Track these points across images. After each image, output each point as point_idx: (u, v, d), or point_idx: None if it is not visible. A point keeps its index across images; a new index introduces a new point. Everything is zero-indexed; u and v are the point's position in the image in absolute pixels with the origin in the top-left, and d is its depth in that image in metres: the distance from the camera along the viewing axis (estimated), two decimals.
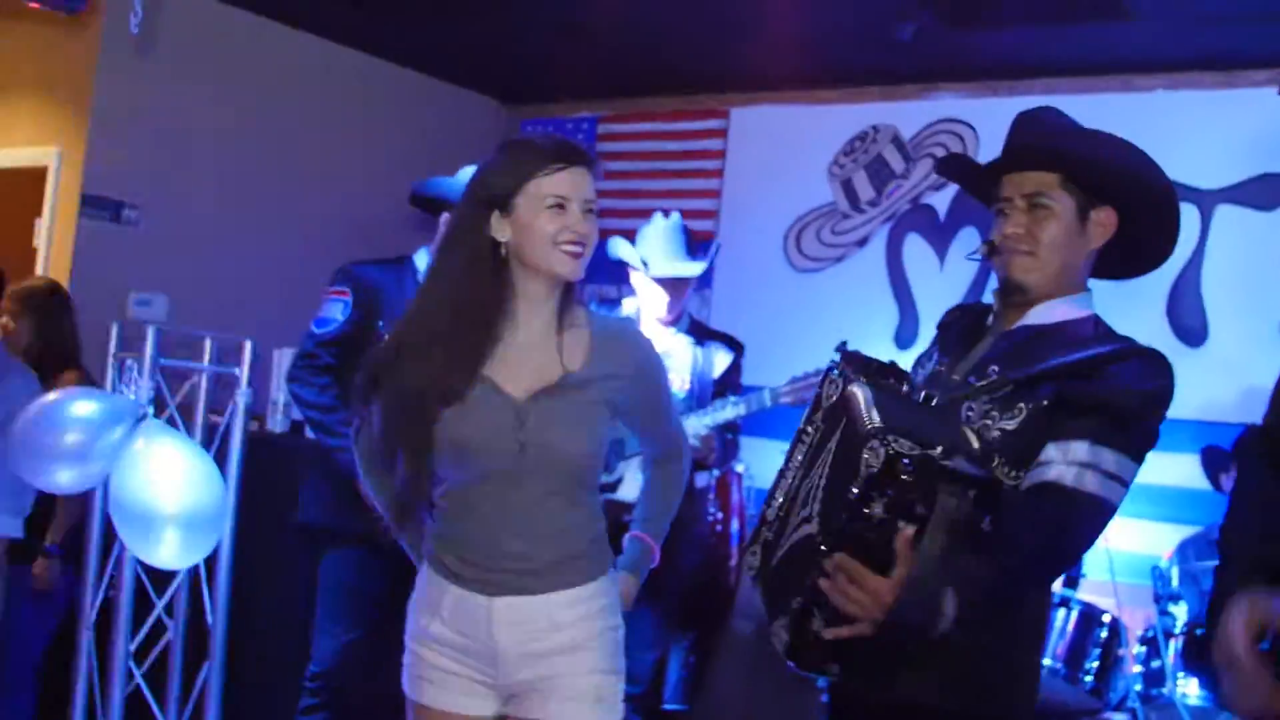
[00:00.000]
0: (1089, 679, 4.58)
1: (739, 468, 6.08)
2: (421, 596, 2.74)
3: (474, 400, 2.61)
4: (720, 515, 5.97)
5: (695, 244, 4.67)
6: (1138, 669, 4.73)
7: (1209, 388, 5.52)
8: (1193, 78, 6.15)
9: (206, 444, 4.07)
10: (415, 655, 2.72)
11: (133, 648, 4.01)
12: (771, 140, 7.36)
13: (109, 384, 4.04)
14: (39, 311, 4.94)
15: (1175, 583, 4.91)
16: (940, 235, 6.77)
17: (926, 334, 2.91)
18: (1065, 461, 2.36)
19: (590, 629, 2.66)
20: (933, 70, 6.64)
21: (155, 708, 4.08)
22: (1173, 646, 4.70)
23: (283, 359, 5.08)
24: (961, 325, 2.78)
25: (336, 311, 4.18)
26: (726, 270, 7.08)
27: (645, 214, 4.77)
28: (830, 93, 7.18)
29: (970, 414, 2.48)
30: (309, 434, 4.40)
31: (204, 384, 4.17)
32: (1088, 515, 2.38)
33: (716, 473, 5.54)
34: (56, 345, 4.92)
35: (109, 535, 3.95)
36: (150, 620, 4.08)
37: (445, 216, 4.21)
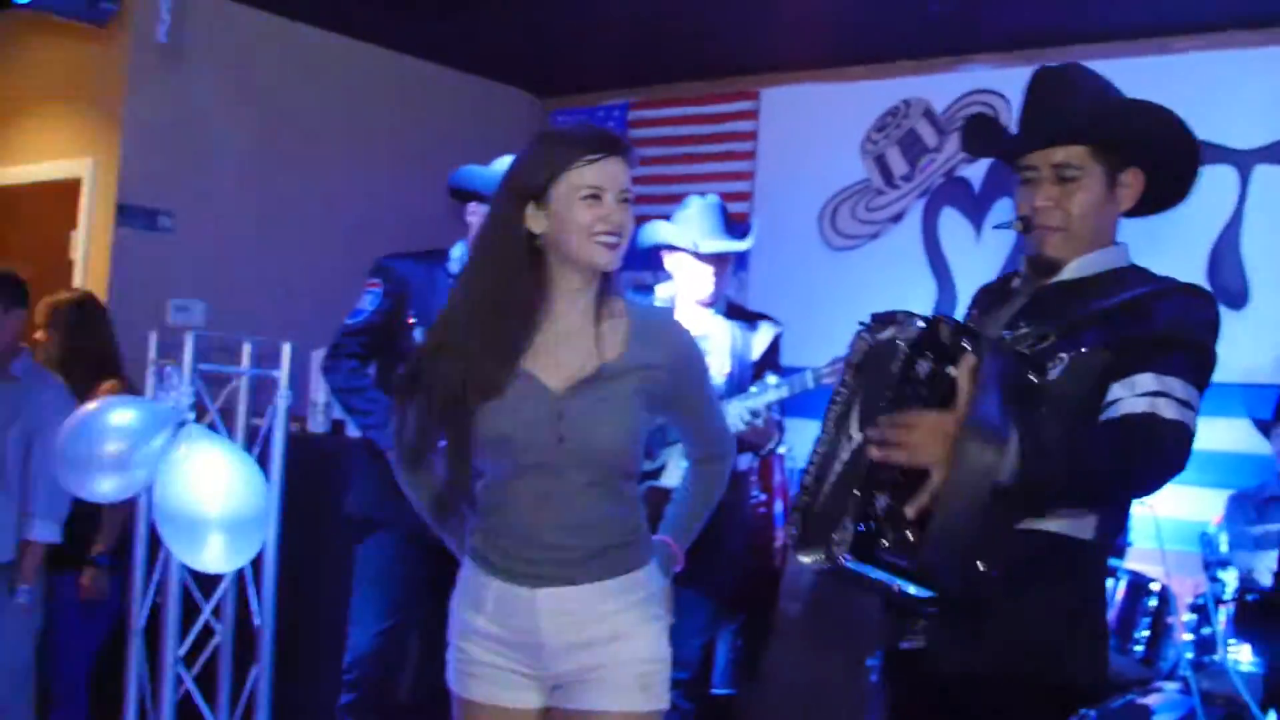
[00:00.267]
0: (1139, 648, 4.53)
1: (780, 449, 6.06)
2: (464, 591, 2.74)
3: (512, 393, 2.61)
4: (764, 497, 5.94)
5: (732, 224, 4.65)
6: (1188, 637, 4.68)
7: (1253, 351, 5.45)
8: (1227, 37, 6.06)
9: (248, 447, 4.09)
10: (460, 650, 2.72)
11: (182, 653, 4.05)
12: (803, 119, 7.32)
13: (149, 391, 4.07)
14: (67, 323, 4.99)
15: (1224, 548, 4.85)
16: (976, 208, 6.71)
17: (965, 308, 2.89)
18: (1134, 394, 2.30)
19: (634, 618, 2.66)
20: (963, 42, 6.58)
21: (206, 711, 4.10)
22: (1223, 613, 4.65)
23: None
24: (989, 295, 2.77)
25: (367, 302, 4.25)
26: (762, 252, 7.02)
27: (678, 199, 4.74)
28: (860, 69, 7.11)
29: None
30: (350, 431, 4.41)
31: (244, 388, 4.19)
32: (1170, 439, 2.29)
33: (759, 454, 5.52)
34: (87, 356, 4.96)
35: (154, 542, 3.97)
36: (198, 625, 4.11)
37: (471, 206, 4.23)
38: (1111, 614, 4.53)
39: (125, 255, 6.29)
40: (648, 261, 4.71)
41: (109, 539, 4.81)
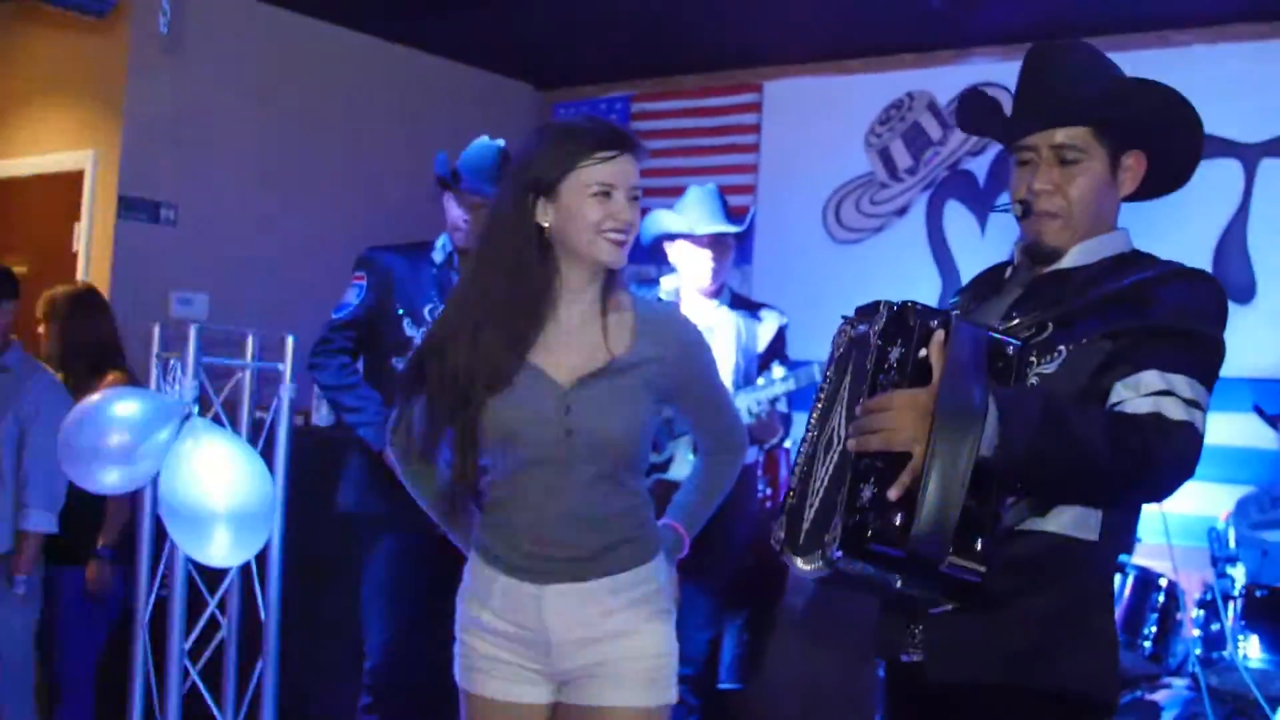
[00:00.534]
0: (1148, 644, 4.53)
1: (786, 444, 6.04)
2: (470, 586, 2.73)
3: (520, 386, 2.60)
4: (769, 491, 5.93)
5: (731, 214, 4.65)
6: (1196, 633, 4.67)
7: (1260, 346, 5.44)
8: (1230, 30, 6.06)
9: (253, 440, 4.07)
10: (466, 645, 2.72)
11: (187, 646, 4.03)
12: (806, 112, 7.31)
13: (153, 384, 4.05)
14: (63, 316, 5.00)
15: (1233, 544, 4.84)
16: (980, 201, 6.70)
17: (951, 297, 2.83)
18: (1139, 395, 2.19)
19: (641, 613, 2.65)
20: (967, 34, 6.57)
21: (212, 705, 4.09)
22: (1232, 608, 4.64)
23: None
24: (982, 285, 2.64)
25: (352, 296, 4.29)
26: (766, 244, 7.04)
27: (681, 191, 4.75)
28: (863, 62, 7.11)
29: None
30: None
31: (248, 380, 4.17)
32: (1176, 441, 2.15)
33: (765, 448, 5.50)
34: (87, 348, 4.97)
35: (159, 535, 3.96)
36: (204, 618, 4.09)
37: (448, 195, 4.24)
38: (1119, 610, 4.53)
39: (128, 247, 6.29)
40: (651, 255, 4.71)
41: (113, 532, 4.82)
